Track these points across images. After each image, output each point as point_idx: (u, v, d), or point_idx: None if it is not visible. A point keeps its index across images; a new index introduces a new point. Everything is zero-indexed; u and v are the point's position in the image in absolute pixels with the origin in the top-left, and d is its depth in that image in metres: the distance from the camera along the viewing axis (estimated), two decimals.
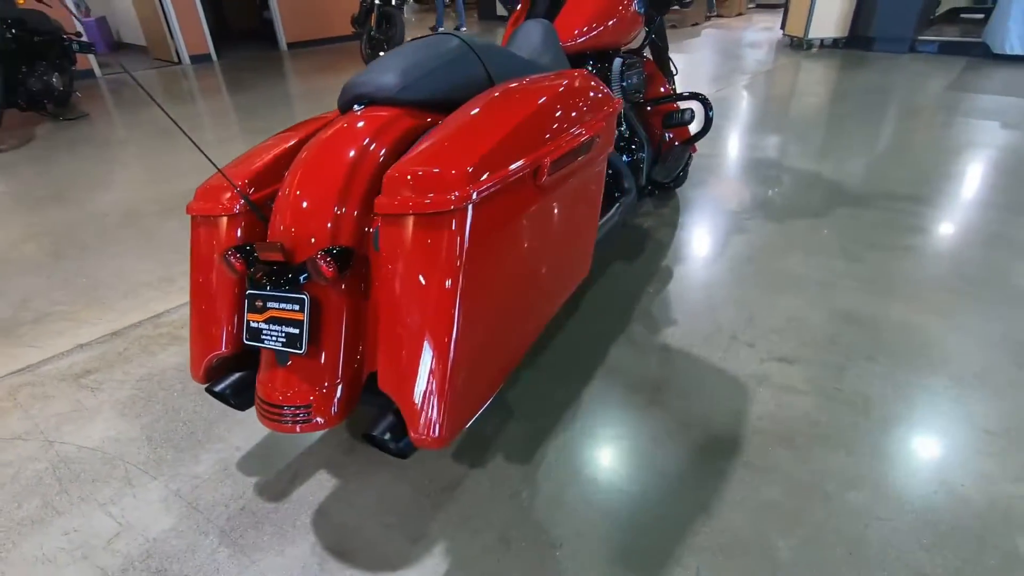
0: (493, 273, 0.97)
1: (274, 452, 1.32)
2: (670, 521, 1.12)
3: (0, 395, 1.54)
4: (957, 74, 4.62)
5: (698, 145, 3.20)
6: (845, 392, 1.42)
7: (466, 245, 0.89)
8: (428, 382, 0.89)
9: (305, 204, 0.97)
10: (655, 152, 2.21)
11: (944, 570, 1.01)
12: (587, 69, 1.94)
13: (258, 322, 0.96)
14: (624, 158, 2.04)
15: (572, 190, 1.20)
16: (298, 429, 0.98)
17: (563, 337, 1.67)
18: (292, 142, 1.16)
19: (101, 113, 4.67)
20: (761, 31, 7.41)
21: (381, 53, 5.63)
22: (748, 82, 4.71)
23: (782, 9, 6.49)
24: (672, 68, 2.36)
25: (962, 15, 6.61)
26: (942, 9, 6.43)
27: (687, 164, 2.43)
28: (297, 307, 0.93)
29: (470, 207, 0.89)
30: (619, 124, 2.03)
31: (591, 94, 1.28)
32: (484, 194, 0.90)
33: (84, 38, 4.53)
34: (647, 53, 2.33)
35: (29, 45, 4.04)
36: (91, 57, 6.12)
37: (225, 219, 1.05)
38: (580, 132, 1.17)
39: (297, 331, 0.93)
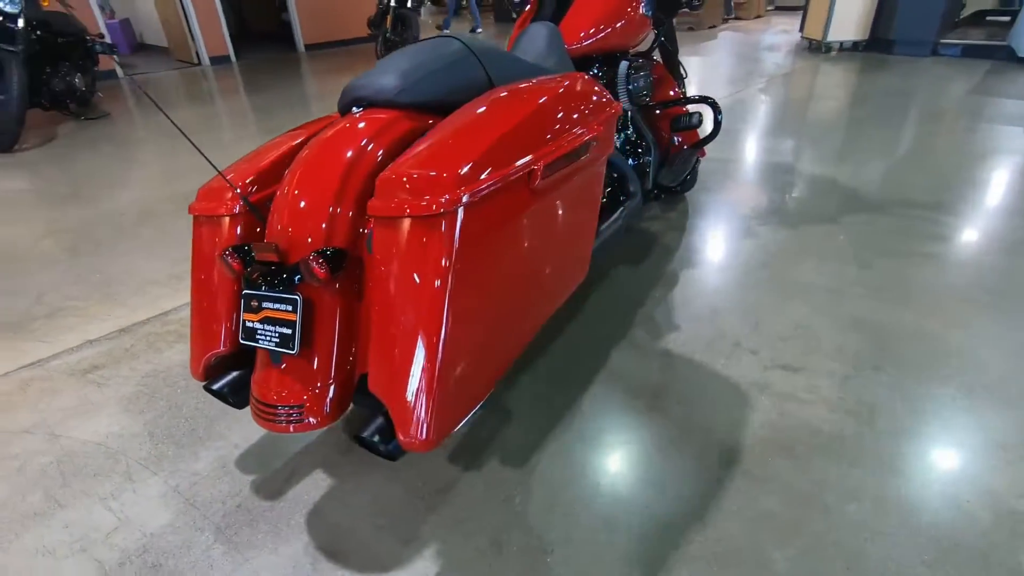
0: (485, 276, 0.96)
1: (272, 451, 1.33)
2: (664, 529, 1.11)
3: (11, 389, 1.57)
4: (980, 78, 4.51)
5: (711, 149, 3.17)
6: (849, 401, 1.39)
7: (456, 247, 0.88)
8: (416, 384, 0.89)
9: (302, 205, 0.98)
10: (662, 155, 2.19)
11: None
12: (593, 72, 1.93)
13: (253, 322, 0.97)
14: (630, 161, 2.02)
15: (569, 193, 1.19)
16: (291, 429, 0.98)
17: (564, 340, 1.66)
18: (293, 143, 1.17)
19: (122, 113, 4.76)
20: (779, 34, 7.32)
21: None
22: (765, 85, 4.65)
23: (801, 11, 6.40)
24: (682, 71, 2.34)
25: (988, 17, 6.45)
26: (967, 11, 6.30)
27: (695, 168, 2.41)
28: (290, 307, 0.94)
29: (460, 210, 0.89)
30: (625, 127, 2.01)
31: (589, 97, 1.27)
32: (475, 197, 0.90)
33: (107, 39, 4.62)
34: (656, 56, 2.31)
35: (53, 46, 4.14)
36: (113, 58, 6.25)
37: (226, 219, 1.07)
38: (576, 135, 1.16)
39: (290, 331, 0.94)
